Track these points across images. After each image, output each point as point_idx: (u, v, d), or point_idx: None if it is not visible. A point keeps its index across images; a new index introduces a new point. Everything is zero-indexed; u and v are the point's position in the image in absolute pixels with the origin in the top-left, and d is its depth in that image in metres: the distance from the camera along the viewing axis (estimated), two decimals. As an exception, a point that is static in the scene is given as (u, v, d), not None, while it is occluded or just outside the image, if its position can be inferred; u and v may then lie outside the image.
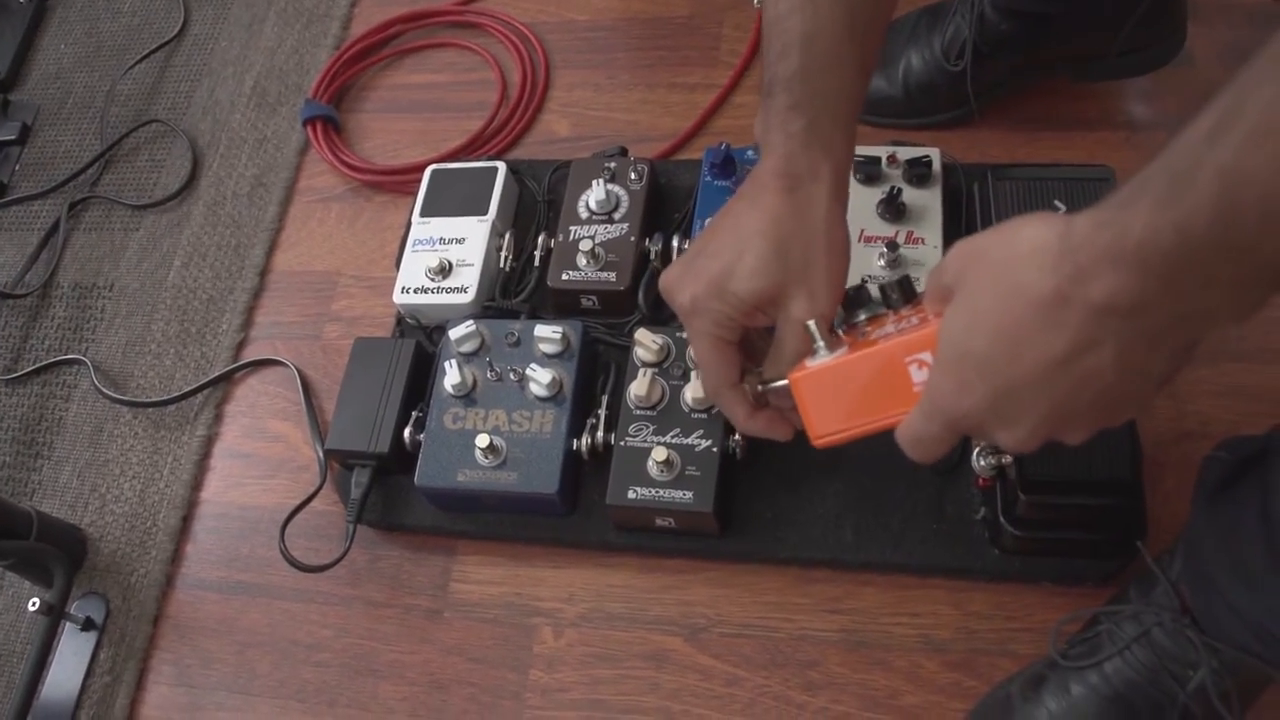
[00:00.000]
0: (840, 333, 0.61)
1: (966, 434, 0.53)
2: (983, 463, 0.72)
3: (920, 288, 0.59)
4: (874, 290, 0.61)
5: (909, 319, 0.56)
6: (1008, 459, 0.72)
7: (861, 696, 0.80)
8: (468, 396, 0.87)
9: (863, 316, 0.61)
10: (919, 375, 0.54)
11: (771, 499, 0.83)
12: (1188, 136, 0.38)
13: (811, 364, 0.58)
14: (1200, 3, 1.02)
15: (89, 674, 0.90)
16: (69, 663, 0.91)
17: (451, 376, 0.86)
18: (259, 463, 0.99)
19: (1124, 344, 0.43)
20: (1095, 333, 0.43)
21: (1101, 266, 0.41)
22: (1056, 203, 0.83)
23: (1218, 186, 0.36)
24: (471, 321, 0.89)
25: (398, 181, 1.10)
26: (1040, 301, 0.43)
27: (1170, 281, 0.39)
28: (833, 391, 0.57)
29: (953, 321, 0.49)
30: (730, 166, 0.93)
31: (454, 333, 0.88)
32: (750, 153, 0.93)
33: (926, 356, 0.53)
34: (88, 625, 0.92)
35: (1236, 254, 0.37)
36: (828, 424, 0.59)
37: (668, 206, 0.98)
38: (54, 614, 0.88)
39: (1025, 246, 0.45)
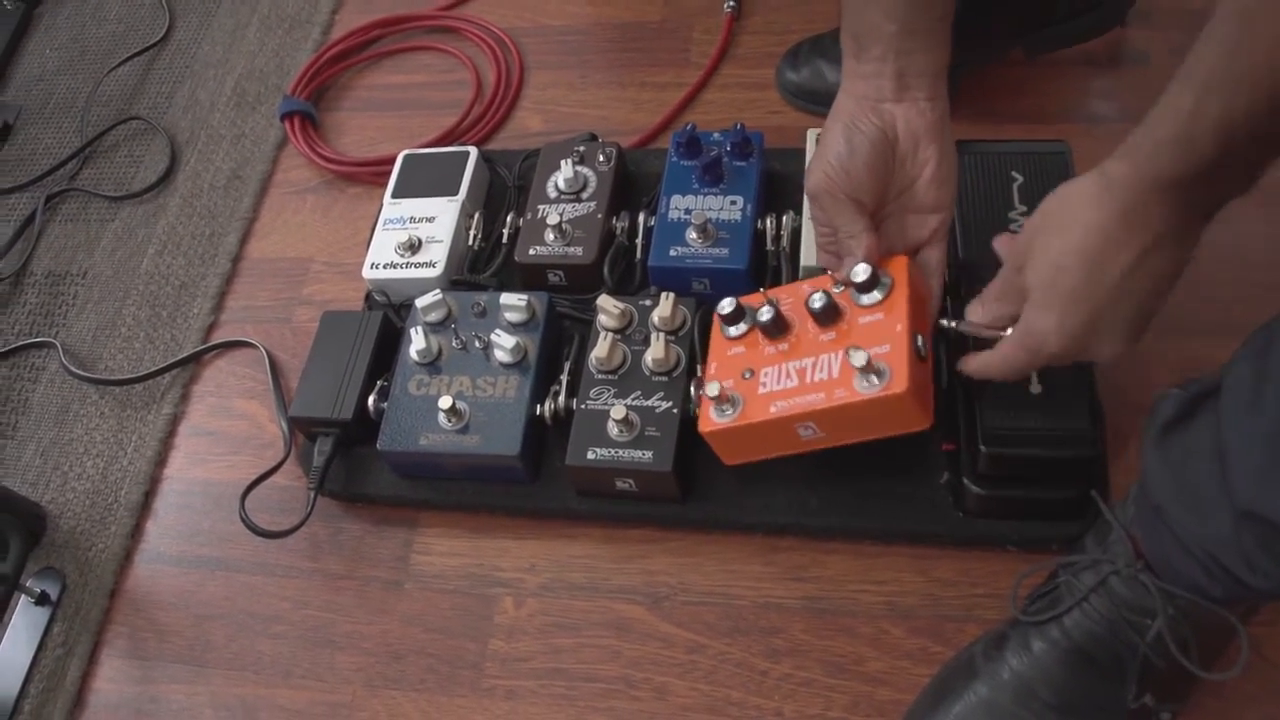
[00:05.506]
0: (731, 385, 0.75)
1: (1054, 361, 0.65)
2: None
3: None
4: (765, 313, 0.74)
5: (786, 368, 0.73)
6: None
7: (825, 663, 0.79)
8: (432, 364, 0.87)
9: (734, 332, 0.77)
10: (805, 433, 0.72)
11: (735, 466, 0.83)
12: (1170, 104, 0.51)
13: (719, 420, 0.74)
14: (1155, 7, 1.06)
15: (41, 647, 0.88)
16: (21, 635, 0.89)
17: (417, 343, 0.87)
18: (224, 440, 0.98)
19: (1173, 240, 0.56)
20: (1152, 240, 0.56)
21: (1149, 196, 0.55)
22: (1013, 173, 0.85)
23: (1213, 129, 0.49)
24: (438, 291, 0.89)
25: (372, 173, 1.11)
26: (1107, 226, 0.56)
27: (1188, 202, 0.54)
28: (739, 439, 0.75)
29: (1039, 274, 0.61)
30: (696, 147, 0.94)
31: (421, 302, 0.89)
32: (715, 135, 0.95)
33: (811, 424, 0.71)
34: (42, 600, 0.90)
35: (1241, 164, 0.51)
36: (734, 458, 0.78)
37: (636, 190, 0.99)
38: (6, 583, 0.87)
39: (1075, 198, 0.58)
